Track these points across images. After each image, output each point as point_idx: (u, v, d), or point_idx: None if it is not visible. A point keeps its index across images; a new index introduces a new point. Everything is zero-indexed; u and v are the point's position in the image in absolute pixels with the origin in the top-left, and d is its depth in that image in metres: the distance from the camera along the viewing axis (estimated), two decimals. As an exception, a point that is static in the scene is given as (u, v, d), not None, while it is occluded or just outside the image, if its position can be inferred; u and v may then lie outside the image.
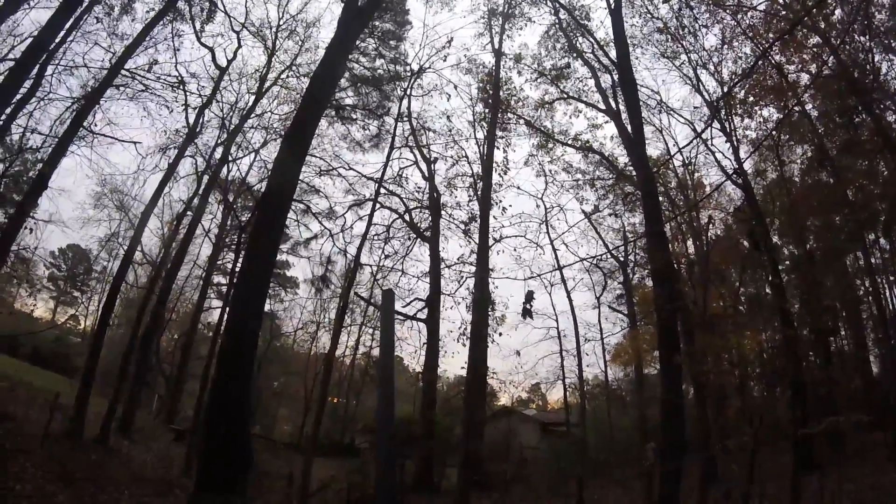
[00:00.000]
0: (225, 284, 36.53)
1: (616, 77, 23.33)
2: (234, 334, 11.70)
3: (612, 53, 21.97)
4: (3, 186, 20.29)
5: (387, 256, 25.96)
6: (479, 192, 23.90)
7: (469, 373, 18.48)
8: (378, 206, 25.38)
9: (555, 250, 29.41)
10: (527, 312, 7.91)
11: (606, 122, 25.74)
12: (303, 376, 38.20)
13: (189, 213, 25.95)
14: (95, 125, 18.93)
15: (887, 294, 23.99)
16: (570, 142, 27.12)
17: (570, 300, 29.18)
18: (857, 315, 26.78)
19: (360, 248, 21.43)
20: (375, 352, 35.88)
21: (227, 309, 15.34)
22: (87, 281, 54.00)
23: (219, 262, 35.83)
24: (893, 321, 23.15)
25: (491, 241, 21.99)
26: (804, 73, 21.10)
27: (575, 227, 30.66)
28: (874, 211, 21.10)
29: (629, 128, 18.15)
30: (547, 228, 29.10)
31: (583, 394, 29.32)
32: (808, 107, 22.49)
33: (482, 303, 18.82)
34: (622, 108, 22.87)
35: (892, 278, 24.25)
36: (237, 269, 28.82)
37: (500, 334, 22.18)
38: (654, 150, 25.68)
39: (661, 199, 23.85)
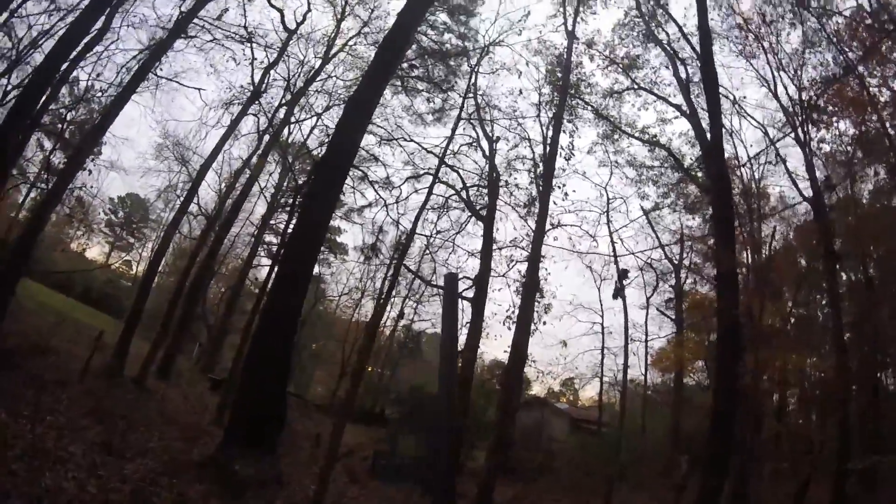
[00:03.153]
0: (276, 244, 36.51)
1: (690, 71, 22.34)
2: (281, 292, 11.36)
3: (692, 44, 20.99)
4: (67, 131, 20.22)
5: (438, 232, 25.44)
6: (540, 176, 23.06)
7: (511, 357, 17.82)
8: (437, 180, 24.63)
9: (613, 243, 28.16)
10: (618, 292, 7.21)
11: (676, 117, 24.49)
12: (342, 341, 38.28)
13: (247, 170, 25.93)
14: (160, 70, 18.67)
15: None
16: (637, 134, 25.75)
17: (624, 298, 28.05)
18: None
19: (416, 220, 20.97)
20: (416, 325, 35.74)
21: (277, 267, 14.94)
22: (143, 229, 55.08)
23: (271, 222, 35.75)
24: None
25: (548, 227, 21.03)
26: (885, 87, 19.56)
27: (633, 223, 29.24)
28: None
29: (705, 125, 17.00)
30: (608, 219, 27.92)
31: (624, 393, 28.22)
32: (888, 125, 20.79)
33: (531, 287, 18.04)
34: (696, 103, 21.74)
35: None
36: (289, 230, 28.97)
37: (545, 323, 21.50)
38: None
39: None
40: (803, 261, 25.62)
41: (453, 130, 23.86)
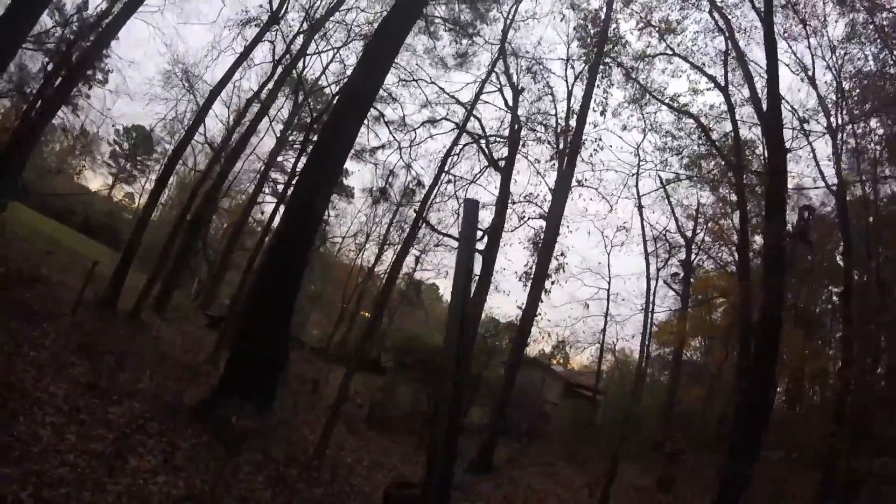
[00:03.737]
0: (282, 182, 35.52)
1: (730, 44, 21.08)
2: (291, 229, 10.51)
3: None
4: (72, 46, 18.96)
5: (451, 179, 24.41)
6: (563, 131, 22.21)
7: (524, 315, 17.27)
8: (459, 128, 24.13)
9: (640, 207, 27.52)
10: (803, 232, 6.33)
11: (709, 89, 23.14)
12: (341, 285, 37.73)
13: (257, 102, 24.77)
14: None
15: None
16: (667, 101, 24.43)
17: (648, 263, 27.21)
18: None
19: (442, 165, 21.23)
20: (419, 275, 35.16)
21: (288, 201, 14.02)
22: (147, 161, 53.92)
23: (279, 159, 34.73)
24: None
25: (574, 183, 20.12)
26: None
27: (653, 193, 28.11)
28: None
29: (761, 95, 15.89)
30: (637, 182, 27.71)
31: (644, 361, 27.71)
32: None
33: (549, 244, 17.26)
34: (731, 78, 21.49)
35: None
36: (299, 168, 27.95)
37: (555, 283, 20.89)
38: (746, 131, 23.21)
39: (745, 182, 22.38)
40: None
41: (485, 78, 23.44)
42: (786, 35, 20.78)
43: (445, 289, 36.14)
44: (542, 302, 18.10)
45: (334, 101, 24.92)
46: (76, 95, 23.56)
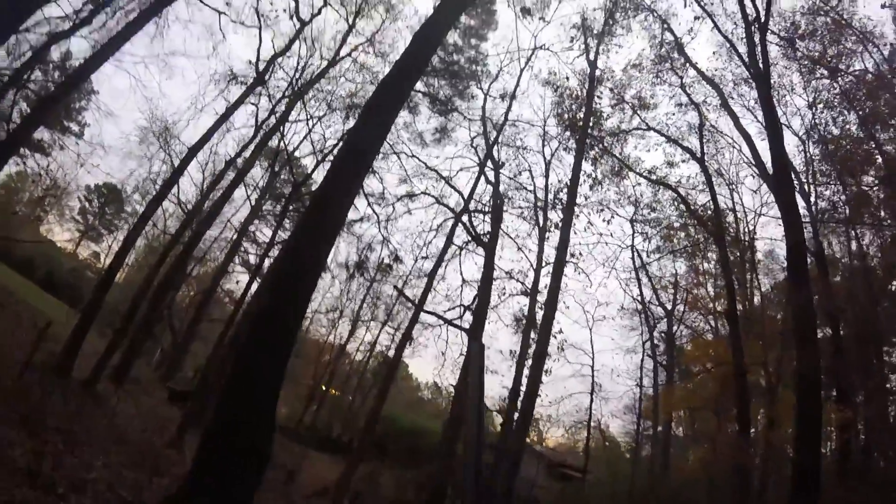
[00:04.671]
0: (253, 253, 34.16)
1: (702, 116, 22.19)
2: (281, 293, 8.90)
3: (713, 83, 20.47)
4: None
5: (425, 257, 24.30)
6: (541, 207, 22.42)
7: (525, 397, 15.82)
8: (435, 201, 23.92)
9: (639, 280, 26.79)
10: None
11: (684, 160, 23.63)
12: (312, 361, 35.89)
13: (234, 169, 23.76)
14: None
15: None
16: (644, 174, 24.42)
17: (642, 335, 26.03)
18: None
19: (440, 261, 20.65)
20: (391, 352, 33.62)
21: (276, 263, 12.53)
22: (116, 220, 52.02)
23: (251, 229, 33.24)
24: None
25: (568, 256, 19.32)
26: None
27: (616, 267, 27.35)
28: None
29: (766, 161, 15.48)
30: (634, 254, 27.02)
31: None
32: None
33: (549, 320, 16.07)
34: (706, 149, 22.26)
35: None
36: (276, 240, 26.74)
37: (557, 360, 19.77)
38: (704, 196, 23.22)
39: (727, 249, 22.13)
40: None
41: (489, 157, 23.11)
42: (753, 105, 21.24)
43: (417, 367, 34.56)
44: (542, 383, 16.71)
45: (317, 167, 24.39)
46: (49, 144, 22.17)
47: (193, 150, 19.51)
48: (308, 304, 9.92)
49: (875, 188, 19.14)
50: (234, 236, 31.98)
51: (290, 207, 24.64)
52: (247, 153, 23.20)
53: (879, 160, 18.35)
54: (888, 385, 20.81)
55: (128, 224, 45.55)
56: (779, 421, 20.28)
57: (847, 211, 21.11)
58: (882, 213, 20.33)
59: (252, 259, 34.60)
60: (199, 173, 27.28)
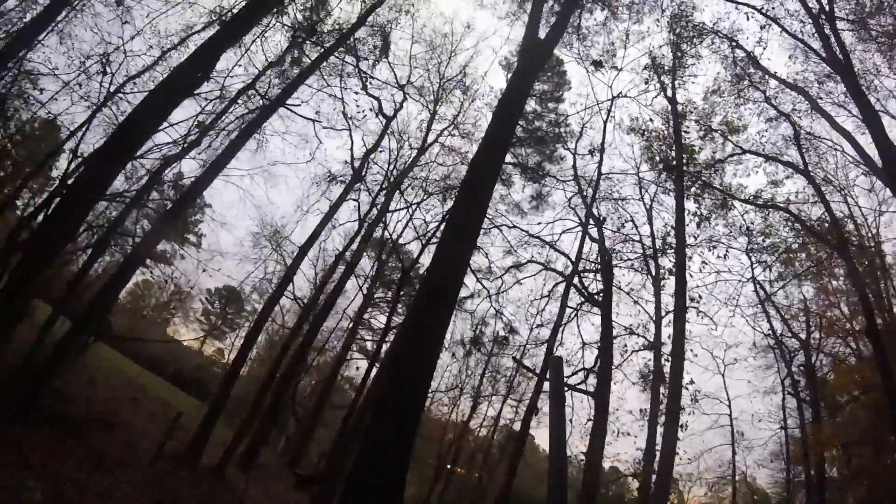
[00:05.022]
0: (369, 339, 35.12)
1: (796, 124, 20.45)
2: (405, 374, 8.88)
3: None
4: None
5: (540, 325, 24.47)
6: (651, 255, 22.30)
7: (661, 457, 14.92)
8: (542, 268, 24.07)
9: (766, 311, 25.07)
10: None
11: (788, 176, 21.85)
12: (435, 441, 35.55)
13: (343, 262, 25.04)
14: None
15: None
16: (750, 199, 22.77)
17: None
18: None
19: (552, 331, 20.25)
20: (516, 426, 32.82)
21: (396, 341, 12.59)
22: (237, 319, 55.53)
23: (365, 317, 34.32)
24: None
25: (687, 301, 18.38)
26: None
27: (754, 302, 25.49)
28: None
29: (873, 155, 14.26)
30: (757, 288, 24.91)
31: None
32: None
33: (678, 372, 15.19)
34: (808, 158, 20.52)
35: None
36: (392, 324, 27.47)
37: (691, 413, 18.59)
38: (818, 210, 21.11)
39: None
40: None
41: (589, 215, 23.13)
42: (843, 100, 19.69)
43: (544, 439, 33.45)
44: (679, 440, 15.66)
45: (423, 251, 25.56)
46: (171, 254, 24.24)
47: (304, 249, 20.78)
48: (429, 384, 9.92)
49: None
50: (350, 325, 33.18)
51: (401, 293, 25.60)
52: (354, 246, 24.35)
53: None
54: None
55: (248, 322, 48.59)
56: None
57: None
58: None
59: (369, 346, 35.72)
60: (311, 269, 28.90)
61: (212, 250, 21.67)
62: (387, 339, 27.36)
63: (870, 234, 23.09)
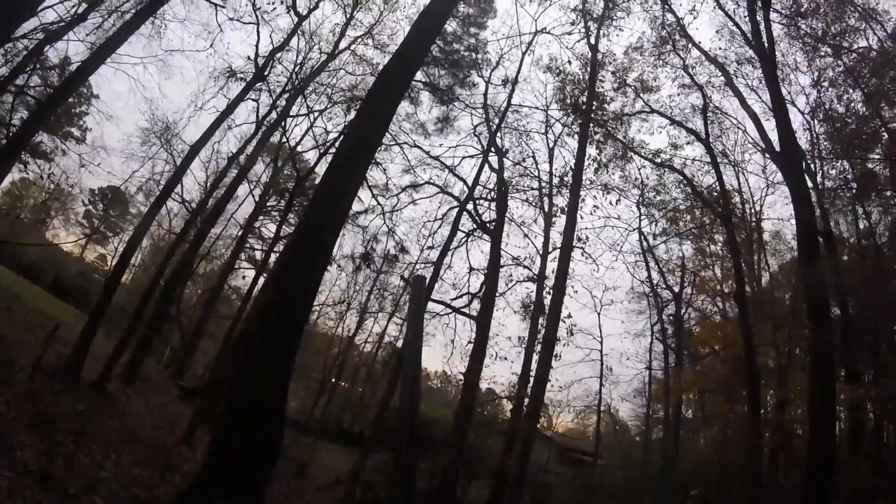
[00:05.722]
0: (259, 249, 33.96)
1: (707, 97, 21.71)
2: (288, 287, 8.71)
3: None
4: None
5: (431, 247, 23.85)
6: (547, 193, 22.58)
7: (534, 382, 15.70)
8: (439, 191, 24.02)
9: (647, 262, 26.90)
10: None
11: (689, 142, 23.28)
12: (321, 354, 35.80)
13: (237, 166, 23.86)
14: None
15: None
16: (649, 156, 24.04)
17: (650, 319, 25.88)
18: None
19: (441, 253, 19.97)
20: (400, 343, 33.56)
21: (284, 256, 12.14)
22: (121, 222, 52.02)
23: (255, 225, 33.12)
24: None
25: (575, 241, 19.07)
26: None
27: (636, 250, 27.25)
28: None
29: (773, 140, 15.22)
30: (641, 237, 26.68)
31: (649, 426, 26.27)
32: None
33: (557, 304, 15.86)
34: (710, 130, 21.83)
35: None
36: (280, 235, 26.61)
37: (567, 344, 19.69)
38: (710, 178, 23.00)
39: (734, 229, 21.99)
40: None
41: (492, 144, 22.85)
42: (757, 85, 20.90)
43: (427, 357, 34.42)
44: (552, 368, 16.56)
45: (319, 160, 24.20)
46: (52, 150, 22.11)
47: (195, 149, 19.23)
48: (315, 296, 9.78)
49: (881, 166, 18.87)
50: (240, 233, 31.99)
51: (294, 202, 24.47)
52: (249, 149, 23.02)
53: (886, 137, 18.03)
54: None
55: (133, 225, 45.58)
56: (789, 401, 20.28)
57: (854, 189, 21.02)
58: (889, 193, 20.23)
59: (258, 255, 34.47)
60: (202, 172, 27.16)
61: (96, 147, 19.71)
62: (276, 248, 26.75)
63: (753, 211, 25.38)
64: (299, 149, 26.56)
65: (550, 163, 23.81)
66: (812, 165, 20.06)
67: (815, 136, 20.38)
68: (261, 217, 32.47)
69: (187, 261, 23.39)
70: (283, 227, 26.79)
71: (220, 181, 24.18)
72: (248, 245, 34.61)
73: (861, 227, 22.15)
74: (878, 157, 18.47)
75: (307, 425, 28.38)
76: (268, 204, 31.79)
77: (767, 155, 18.04)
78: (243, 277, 33.61)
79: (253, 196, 30.12)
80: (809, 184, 18.84)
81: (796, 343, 20.56)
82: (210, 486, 7.17)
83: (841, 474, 14.57)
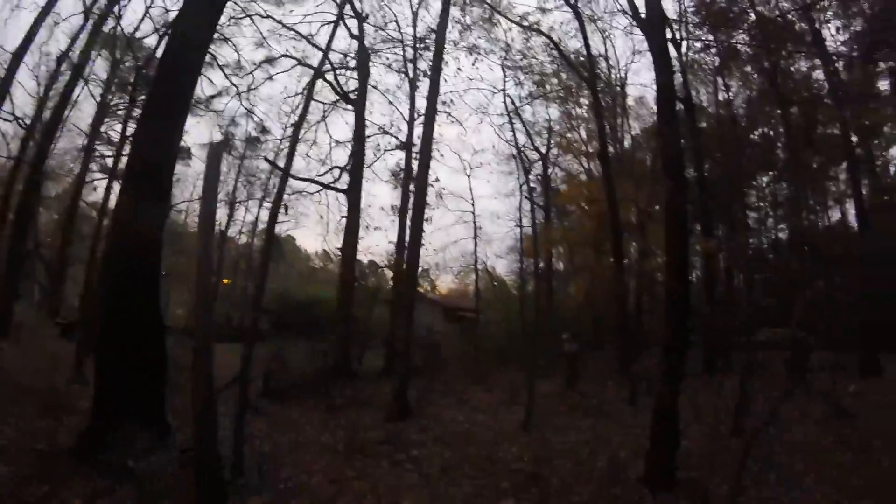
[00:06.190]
0: (111, 155, 31.19)
1: None
2: (139, 204, 8.53)
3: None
4: None
5: (294, 125, 23.10)
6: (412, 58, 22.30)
7: (409, 247, 16.59)
8: (297, 63, 23.18)
9: (511, 122, 27.59)
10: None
11: (557, 7, 23.14)
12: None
13: (70, 65, 21.50)
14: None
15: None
16: (516, 20, 24.06)
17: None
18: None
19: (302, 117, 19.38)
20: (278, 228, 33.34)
21: (125, 173, 11.61)
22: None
23: (102, 129, 30.11)
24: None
25: (440, 106, 18.96)
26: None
27: (504, 114, 27.87)
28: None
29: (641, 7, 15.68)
30: (506, 100, 27.12)
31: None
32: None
33: (424, 170, 16.25)
34: None
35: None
36: (128, 134, 24.56)
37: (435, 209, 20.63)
38: (576, 43, 23.79)
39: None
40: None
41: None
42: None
43: (305, 239, 34.56)
44: (425, 232, 17.48)
45: (160, 49, 22.17)
46: None
47: (18, 55, 17.80)
48: (170, 190, 9.69)
49: (745, 44, 19.87)
50: (85, 142, 29.14)
51: (139, 97, 22.73)
52: (80, 45, 20.99)
53: (752, 17, 18.66)
54: (747, 220, 23.53)
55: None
56: (650, 252, 22.74)
57: (717, 63, 22.41)
58: (749, 69, 21.94)
59: (111, 162, 31.86)
60: (32, 81, 23.85)
61: None
62: (126, 150, 24.82)
63: (618, 77, 26.65)
64: (138, 34, 24.00)
65: (414, 27, 23.30)
66: (678, 35, 20.80)
67: (683, 9, 21.00)
68: (106, 119, 29.46)
69: (33, 185, 21.60)
70: (130, 123, 24.82)
71: (51, 87, 22.10)
72: (97, 154, 31.69)
73: (721, 98, 23.99)
74: (743, 35, 19.49)
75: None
76: (112, 103, 28.88)
77: (634, 22, 18.48)
78: (95, 189, 31.20)
79: (94, 97, 27.16)
80: (674, 54, 19.86)
81: (655, 201, 22.54)
82: (107, 415, 7.38)
83: (697, 316, 17.12)
